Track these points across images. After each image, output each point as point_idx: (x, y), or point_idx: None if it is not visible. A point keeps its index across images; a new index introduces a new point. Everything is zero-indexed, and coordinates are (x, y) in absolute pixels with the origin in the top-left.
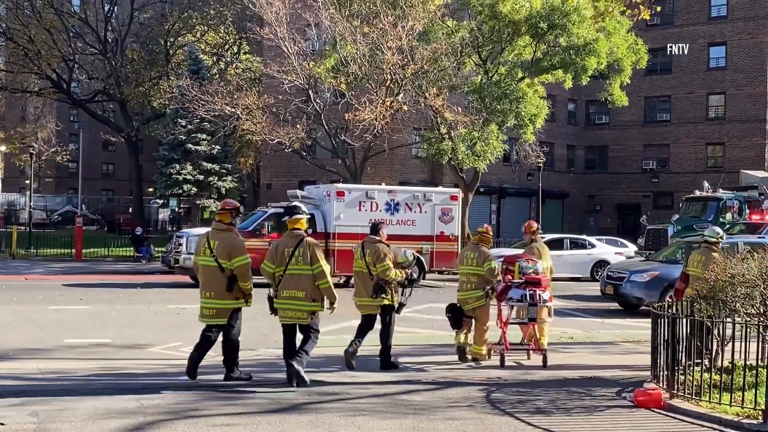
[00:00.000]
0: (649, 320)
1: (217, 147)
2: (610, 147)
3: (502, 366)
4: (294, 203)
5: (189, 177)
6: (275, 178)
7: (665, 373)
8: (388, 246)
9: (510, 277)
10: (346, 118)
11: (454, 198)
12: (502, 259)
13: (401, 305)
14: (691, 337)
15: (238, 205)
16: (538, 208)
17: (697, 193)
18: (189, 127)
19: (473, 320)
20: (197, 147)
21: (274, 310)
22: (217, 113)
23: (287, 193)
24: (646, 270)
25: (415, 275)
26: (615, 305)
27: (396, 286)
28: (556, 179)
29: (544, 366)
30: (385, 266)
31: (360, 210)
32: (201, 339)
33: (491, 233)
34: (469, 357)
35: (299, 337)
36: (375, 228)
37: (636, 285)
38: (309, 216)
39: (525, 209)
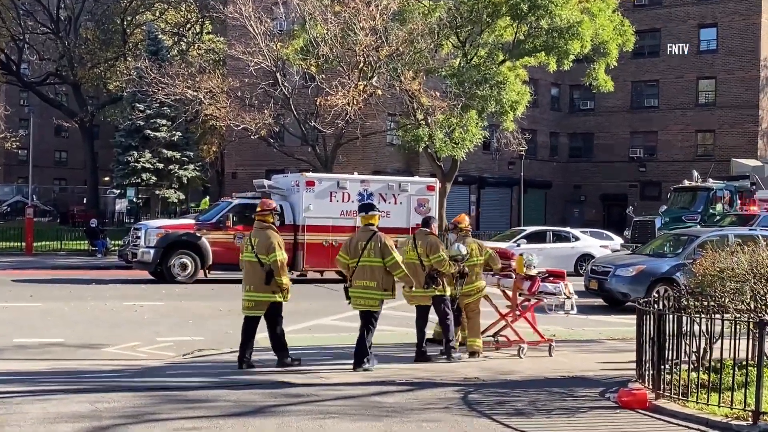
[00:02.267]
0: (635, 317)
1: (178, 133)
2: (595, 134)
3: (520, 357)
4: (366, 201)
5: (148, 165)
6: (241, 167)
7: (651, 372)
8: (439, 238)
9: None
10: (317, 102)
11: (431, 188)
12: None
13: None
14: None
15: (276, 205)
16: (519, 198)
17: (686, 182)
18: (148, 111)
19: (466, 314)
20: (156, 133)
21: (348, 298)
22: (177, 97)
23: (253, 182)
24: (633, 264)
25: (467, 270)
26: (600, 301)
27: (449, 278)
28: (538, 168)
29: (550, 355)
30: (439, 257)
31: (331, 201)
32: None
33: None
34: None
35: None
36: (426, 221)
37: (621, 280)
38: (383, 213)
39: (506, 200)
